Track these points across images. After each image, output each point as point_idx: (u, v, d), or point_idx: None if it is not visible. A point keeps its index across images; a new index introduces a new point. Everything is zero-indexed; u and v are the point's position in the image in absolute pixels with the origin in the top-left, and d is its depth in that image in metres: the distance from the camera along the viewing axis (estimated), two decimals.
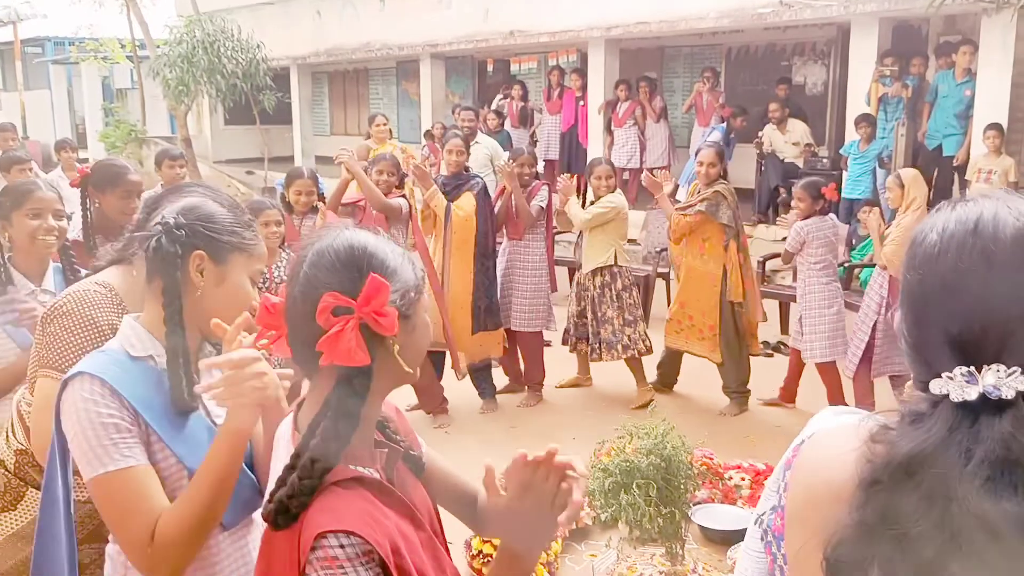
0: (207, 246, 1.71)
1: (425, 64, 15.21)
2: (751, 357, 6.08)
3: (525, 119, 13.47)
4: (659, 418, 3.96)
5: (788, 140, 10.54)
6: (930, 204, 9.48)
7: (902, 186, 5.50)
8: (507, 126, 13.08)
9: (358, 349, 1.27)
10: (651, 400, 6.04)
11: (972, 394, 0.90)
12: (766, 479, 4.70)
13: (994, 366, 0.90)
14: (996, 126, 8.34)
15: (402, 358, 1.34)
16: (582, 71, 12.86)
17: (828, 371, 5.74)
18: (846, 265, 7.44)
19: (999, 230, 0.95)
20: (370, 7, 15.79)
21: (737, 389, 6.05)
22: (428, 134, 12.05)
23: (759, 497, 4.75)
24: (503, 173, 6.16)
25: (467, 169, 6.14)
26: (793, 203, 5.82)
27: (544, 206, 6.19)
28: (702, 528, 4.30)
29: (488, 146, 8.98)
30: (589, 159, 12.37)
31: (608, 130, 12.19)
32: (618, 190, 6.20)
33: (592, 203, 6.08)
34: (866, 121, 9.31)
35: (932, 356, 0.96)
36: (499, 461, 1.36)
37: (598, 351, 6.11)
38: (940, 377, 0.93)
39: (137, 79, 19.18)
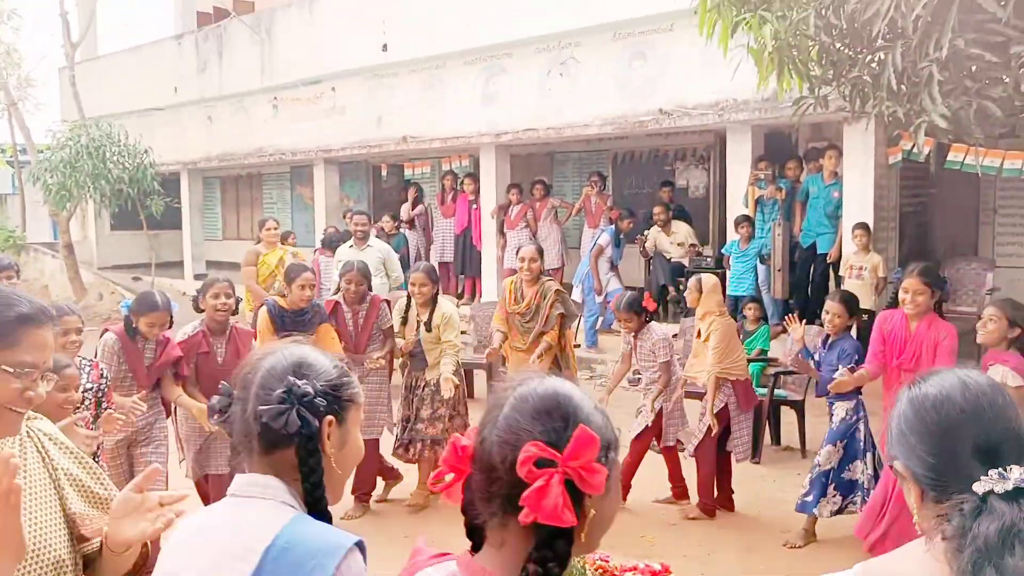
0: (335, 409, 1.56)
1: (319, 169, 15.26)
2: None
3: (424, 223, 13.62)
4: None
5: (673, 241, 10.94)
6: (809, 297, 9.94)
7: (700, 291, 5.94)
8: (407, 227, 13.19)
9: (566, 508, 1.17)
10: (425, 505, 6.09)
11: (1010, 485, 1.29)
12: None
13: (1014, 468, 1.30)
14: (863, 225, 8.86)
15: (594, 524, 1.25)
16: (475, 175, 13.13)
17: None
18: None
19: (980, 379, 1.43)
20: (262, 112, 15.85)
21: None
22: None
23: None
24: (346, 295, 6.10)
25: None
26: (622, 324, 6.13)
27: (392, 326, 6.20)
28: None
29: (380, 250, 8.98)
30: (483, 261, 12.64)
31: (501, 232, 12.39)
32: (441, 297, 6.24)
33: (418, 316, 6.10)
34: (745, 222, 9.77)
35: (960, 470, 1.34)
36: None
37: (417, 451, 6.08)
38: (979, 480, 1.30)
39: (18, 184, 18.59)
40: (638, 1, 9.94)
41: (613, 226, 10.94)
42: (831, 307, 5.40)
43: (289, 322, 5.68)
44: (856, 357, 5.19)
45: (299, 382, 1.52)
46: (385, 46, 13.31)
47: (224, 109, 16.65)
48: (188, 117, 17.31)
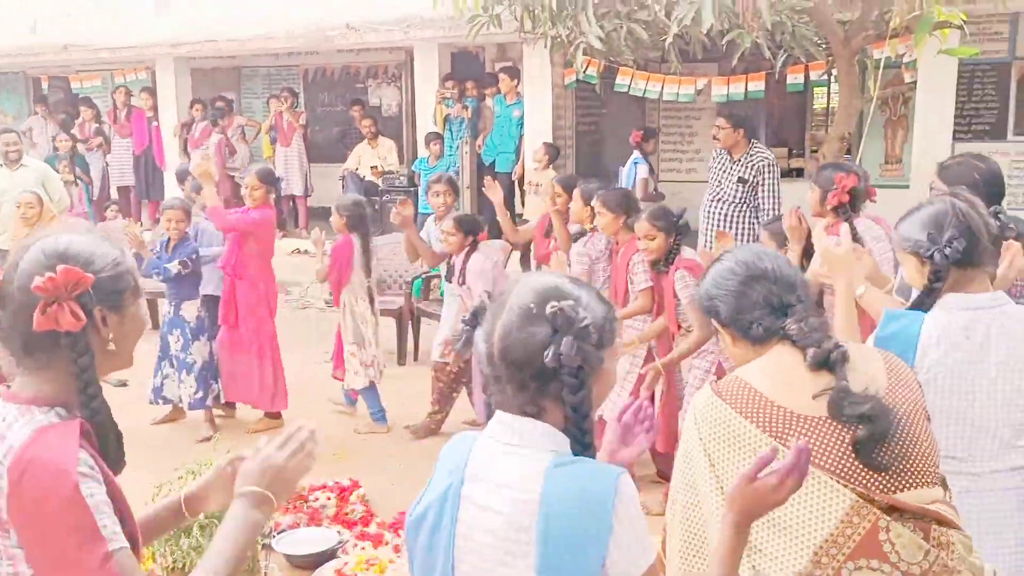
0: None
1: None
2: None
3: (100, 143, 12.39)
4: (224, 449, 3.82)
5: (378, 156, 10.84)
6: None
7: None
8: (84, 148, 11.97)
9: None
10: None
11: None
12: (351, 494, 4.74)
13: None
14: (548, 144, 9.35)
15: None
16: (152, 89, 12.14)
17: None
18: (422, 276, 7.78)
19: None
20: None
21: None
22: None
23: (345, 514, 4.72)
24: None
25: None
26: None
27: None
28: (287, 556, 4.20)
29: (38, 170, 8.05)
30: (166, 184, 11.80)
31: (185, 152, 11.62)
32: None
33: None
34: (436, 139, 9.92)
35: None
36: None
37: None
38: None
39: None
40: None
41: (638, 152, 9.11)
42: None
43: None
44: None
45: None
46: None
47: None
48: None
